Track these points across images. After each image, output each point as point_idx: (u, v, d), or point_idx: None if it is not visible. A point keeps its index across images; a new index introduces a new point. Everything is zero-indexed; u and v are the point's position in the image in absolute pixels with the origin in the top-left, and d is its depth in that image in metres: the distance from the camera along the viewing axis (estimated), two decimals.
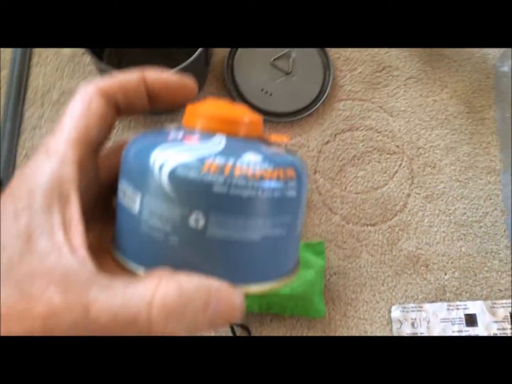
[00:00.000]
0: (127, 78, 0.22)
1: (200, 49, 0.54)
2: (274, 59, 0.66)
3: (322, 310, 0.57)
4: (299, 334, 0.58)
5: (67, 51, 0.64)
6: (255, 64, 0.66)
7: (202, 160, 0.19)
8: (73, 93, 0.59)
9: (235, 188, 0.19)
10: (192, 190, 0.19)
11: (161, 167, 0.19)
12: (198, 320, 0.18)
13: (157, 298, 0.17)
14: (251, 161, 0.20)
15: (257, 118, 0.23)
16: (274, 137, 0.24)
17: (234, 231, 0.20)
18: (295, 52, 0.66)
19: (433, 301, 0.61)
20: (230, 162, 0.19)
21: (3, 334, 0.16)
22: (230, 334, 0.57)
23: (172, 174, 0.19)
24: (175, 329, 0.18)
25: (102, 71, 0.56)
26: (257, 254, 0.21)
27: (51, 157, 0.19)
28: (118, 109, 0.22)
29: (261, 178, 0.19)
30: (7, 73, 0.62)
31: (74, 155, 0.20)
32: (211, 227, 0.19)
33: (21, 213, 0.18)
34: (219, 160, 0.19)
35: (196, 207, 0.19)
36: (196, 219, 0.19)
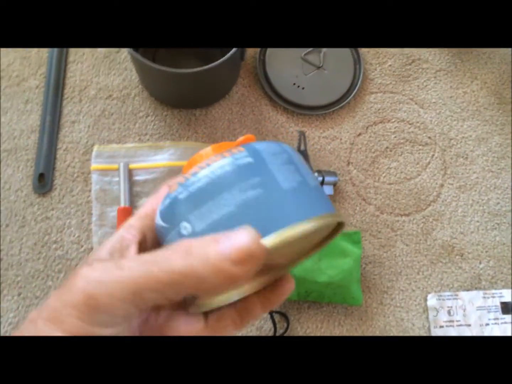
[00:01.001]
0: None
1: None
2: (305, 54, 0.67)
3: (359, 298, 0.57)
4: (336, 322, 0.59)
5: (102, 49, 0.66)
6: (286, 58, 0.67)
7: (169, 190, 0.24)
8: (109, 89, 0.60)
9: (192, 185, 0.23)
10: (169, 212, 0.24)
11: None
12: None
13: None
14: (200, 163, 0.24)
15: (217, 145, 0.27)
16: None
17: (213, 213, 0.22)
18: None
19: (468, 290, 0.61)
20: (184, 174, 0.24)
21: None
22: (269, 320, 0.57)
23: (159, 214, 0.25)
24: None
25: (137, 63, 0.57)
26: (242, 220, 0.22)
27: (123, 227, 0.27)
28: None
29: (207, 164, 0.23)
30: (45, 70, 0.64)
31: (137, 224, 0.27)
32: (197, 225, 0.22)
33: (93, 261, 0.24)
34: (178, 179, 0.24)
35: (178, 221, 0.23)
36: (185, 227, 0.23)
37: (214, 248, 0.20)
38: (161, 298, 0.21)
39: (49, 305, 0.22)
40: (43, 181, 0.59)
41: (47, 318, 0.22)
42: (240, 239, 0.20)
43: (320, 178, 0.59)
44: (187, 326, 0.25)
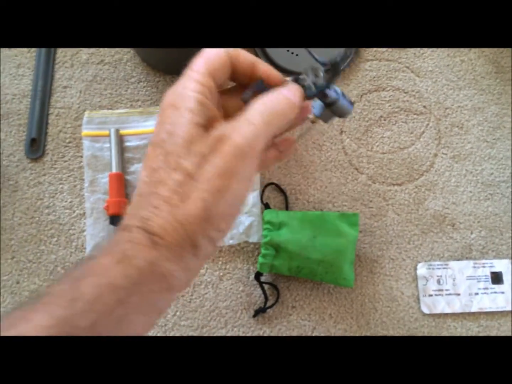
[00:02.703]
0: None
1: None
2: None
3: (351, 280, 0.57)
4: (325, 290, 0.59)
5: None
6: None
7: None
8: (101, 54, 0.59)
9: None
10: None
11: None
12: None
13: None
14: None
15: None
16: None
17: None
18: None
19: (459, 259, 0.61)
20: None
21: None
22: (260, 290, 0.58)
23: None
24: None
25: None
26: None
27: (187, 77, 0.31)
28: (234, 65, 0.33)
29: None
30: None
31: (199, 77, 0.30)
32: None
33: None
34: None
35: None
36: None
37: (291, 99, 0.31)
38: (278, 128, 0.30)
39: (219, 154, 0.29)
40: (35, 146, 0.60)
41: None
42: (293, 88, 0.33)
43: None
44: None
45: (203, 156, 0.28)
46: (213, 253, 0.26)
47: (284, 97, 0.31)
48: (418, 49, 0.67)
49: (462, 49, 0.68)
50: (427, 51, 0.67)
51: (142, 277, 0.26)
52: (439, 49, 0.67)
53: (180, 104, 0.29)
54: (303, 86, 0.33)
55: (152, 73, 0.63)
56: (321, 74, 0.34)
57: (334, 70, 0.34)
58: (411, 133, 0.65)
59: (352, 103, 0.37)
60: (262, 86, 0.33)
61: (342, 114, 0.37)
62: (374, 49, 0.67)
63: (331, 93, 0.35)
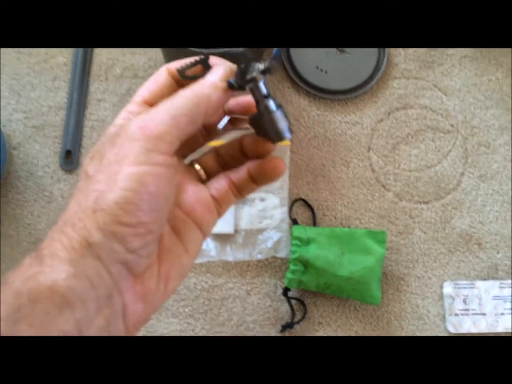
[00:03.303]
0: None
1: None
2: None
3: (378, 297, 0.57)
4: (352, 307, 0.60)
5: None
6: None
7: None
8: (134, 68, 0.60)
9: None
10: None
11: None
12: None
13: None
14: None
15: None
16: None
17: None
18: None
19: (485, 279, 0.61)
20: None
21: None
22: (287, 305, 0.59)
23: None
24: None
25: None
26: None
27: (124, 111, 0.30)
28: (181, 84, 0.30)
29: None
30: (73, 49, 0.65)
31: (136, 106, 0.30)
32: None
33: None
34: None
35: None
36: None
37: (209, 78, 0.29)
38: (190, 121, 0.28)
39: (114, 146, 0.27)
40: (70, 158, 0.61)
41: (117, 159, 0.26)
42: (217, 70, 0.30)
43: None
44: (195, 191, 0.31)
45: (102, 154, 0.27)
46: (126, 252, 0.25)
47: (203, 82, 0.29)
48: (446, 67, 0.68)
49: (489, 68, 0.68)
50: (455, 70, 0.68)
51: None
52: (467, 68, 0.68)
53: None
54: (239, 69, 0.29)
55: None
56: (266, 62, 0.30)
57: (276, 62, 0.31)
58: (438, 151, 0.65)
59: (290, 130, 0.31)
60: (206, 62, 0.30)
61: (271, 130, 0.30)
62: (403, 66, 0.67)
63: (264, 87, 0.30)
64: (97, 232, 0.25)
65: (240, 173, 0.32)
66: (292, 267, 0.57)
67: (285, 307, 0.59)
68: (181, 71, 0.30)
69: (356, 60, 0.67)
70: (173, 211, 0.30)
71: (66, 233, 0.25)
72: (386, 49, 0.67)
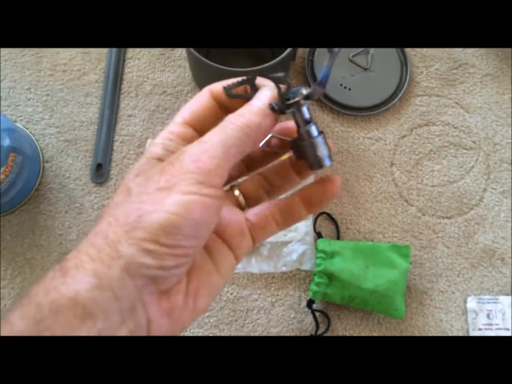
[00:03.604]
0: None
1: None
2: (352, 56, 0.69)
3: (402, 311, 0.58)
4: (375, 320, 0.60)
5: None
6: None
7: None
8: (164, 85, 0.63)
9: None
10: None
11: None
12: None
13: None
14: None
15: None
16: None
17: None
18: (373, 49, 0.69)
19: (508, 294, 0.61)
20: None
21: None
22: (311, 317, 0.59)
23: None
24: None
25: (192, 59, 0.60)
26: None
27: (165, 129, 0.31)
28: (224, 106, 0.31)
29: None
30: (104, 66, 0.67)
31: (177, 127, 0.30)
32: None
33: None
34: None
35: None
36: None
37: (257, 105, 0.28)
38: (240, 152, 0.27)
39: (165, 173, 0.27)
40: (101, 171, 0.63)
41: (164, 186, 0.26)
42: (265, 93, 0.29)
43: None
44: (229, 213, 0.31)
45: (148, 177, 0.27)
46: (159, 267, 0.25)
47: (253, 109, 0.28)
48: (468, 85, 0.69)
49: (511, 86, 0.69)
50: (476, 88, 0.69)
51: None
52: (488, 86, 0.69)
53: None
54: (280, 92, 0.29)
55: None
56: (310, 87, 0.30)
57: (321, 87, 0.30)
58: (460, 167, 0.66)
59: (330, 157, 0.30)
60: (253, 82, 0.30)
61: (310, 156, 0.30)
62: (425, 84, 0.69)
63: (307, 112, 0.30)
64: (132, 246, 0.25)
65: (288, 198, 0.31)
66: (317, 279, 0.58)
67: (309, 319, 0.60)
68: (227, 90, 0.30)
69: (379, 78, 0.68)
70: None
71: (96, 245, 0.25)
72: (409, 67, 0.68)
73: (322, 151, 0.30)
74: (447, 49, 0.70)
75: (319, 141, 0.30)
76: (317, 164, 0.30)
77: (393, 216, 0.64)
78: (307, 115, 0.30)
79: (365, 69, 0.68)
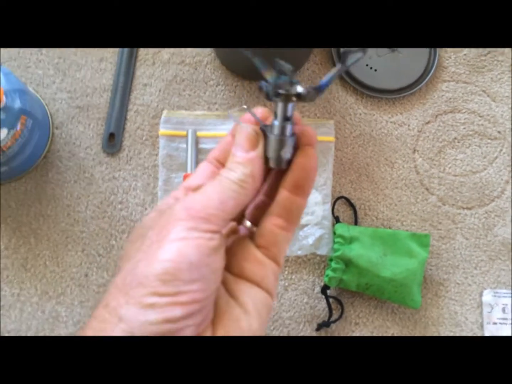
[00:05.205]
0: None
1: None
2: None
3: (418, 301, 0.57)
4: (389, 309, 0.59)
5: None
6: None
7: None
8: (182, 55, 0.59)
9: None
10: None
11: None
12: None
13: None
14: None
15: None
16: None
17: None
18: None
19: None
20: None
21: None
22: (324, 303, 0.58)
23: None
24: None
25: None
26: None
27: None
28: None
29: None
30: None
31: (180, 193, 0.32)
32: None
33: None
34: None
35: None
36: None
37: (238, 155, 0.29)
38: (240, 203, 0.28)
39: (156, 226, 0.27)
40: (113, 141, 0.60)
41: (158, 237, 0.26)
42: (241, 139, 0.30)
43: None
44: (239, 250, 0.30)
45: (144, 237, 0.28)
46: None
47: (237, 161, 0.29)
48: (496, 73, 0.67)
49: None
50: (505, 76, 0.67)
51: None
52: None
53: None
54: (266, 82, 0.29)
55: (230, 77, 0.63)
56: (307, 87, 0.29)
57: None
58: (484, 157, 0.64)
59: (289, 163, 0.30)
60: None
61: (273, 152, 0.30)
62: (452, 69, 0.66)
63: (291, 110, 0.30)
64: (132, 306, 0.24)
65: (278, 197, 0.30)
66: (333, 265, 0.56)
67: (322, 305, 0.59)
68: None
69: (406, 60, 0.65)
70: (223, 275, 0.28)
71: (97, 316, 0.25)
72: (437, 51, 0.66)
73: (287, 153, 0.29)
74: None
75: (289, 142, 0.29)
76: (276, 162, 0.30)
77: (412, 204, 0.62)
78: (290, 112, 0.29)
79: (393, 50, 0.66)
